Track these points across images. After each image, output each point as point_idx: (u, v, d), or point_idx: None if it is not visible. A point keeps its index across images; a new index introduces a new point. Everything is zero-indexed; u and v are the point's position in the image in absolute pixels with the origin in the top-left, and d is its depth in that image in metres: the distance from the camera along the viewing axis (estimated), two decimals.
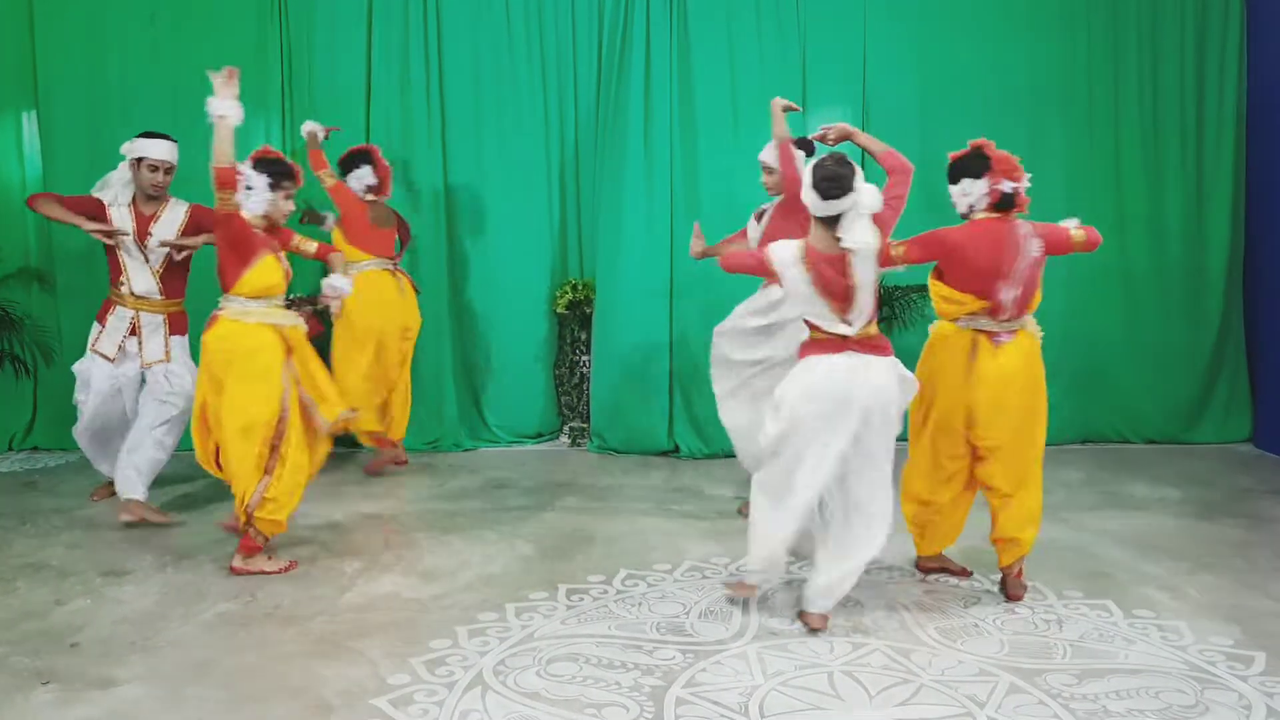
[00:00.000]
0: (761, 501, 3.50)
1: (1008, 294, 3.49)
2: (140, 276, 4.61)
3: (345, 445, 6.24)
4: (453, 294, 6.18)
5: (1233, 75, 6.27)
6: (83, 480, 5.27)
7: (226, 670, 3.15)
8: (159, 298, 4.66)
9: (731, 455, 5.05)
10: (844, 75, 6.20)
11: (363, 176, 5.39)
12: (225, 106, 3.67)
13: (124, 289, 4.61)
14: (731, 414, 4.59)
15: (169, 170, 4.58)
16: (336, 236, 5.42)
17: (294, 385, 3.95)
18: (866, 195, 3.29)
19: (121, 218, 4.55)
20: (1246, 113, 6.29)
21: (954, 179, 3.57)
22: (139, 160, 4.53)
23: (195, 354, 4.51)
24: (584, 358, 6.26)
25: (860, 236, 3.30)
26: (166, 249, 4.61)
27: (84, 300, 5.38)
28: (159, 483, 4.78)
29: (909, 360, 3.59)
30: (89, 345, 4.69)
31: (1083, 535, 4.43)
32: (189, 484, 5.15)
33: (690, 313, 5.95)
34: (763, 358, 4.43)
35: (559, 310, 6.22)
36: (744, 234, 4.67)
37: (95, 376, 4.65)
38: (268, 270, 3.90)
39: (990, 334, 3.55)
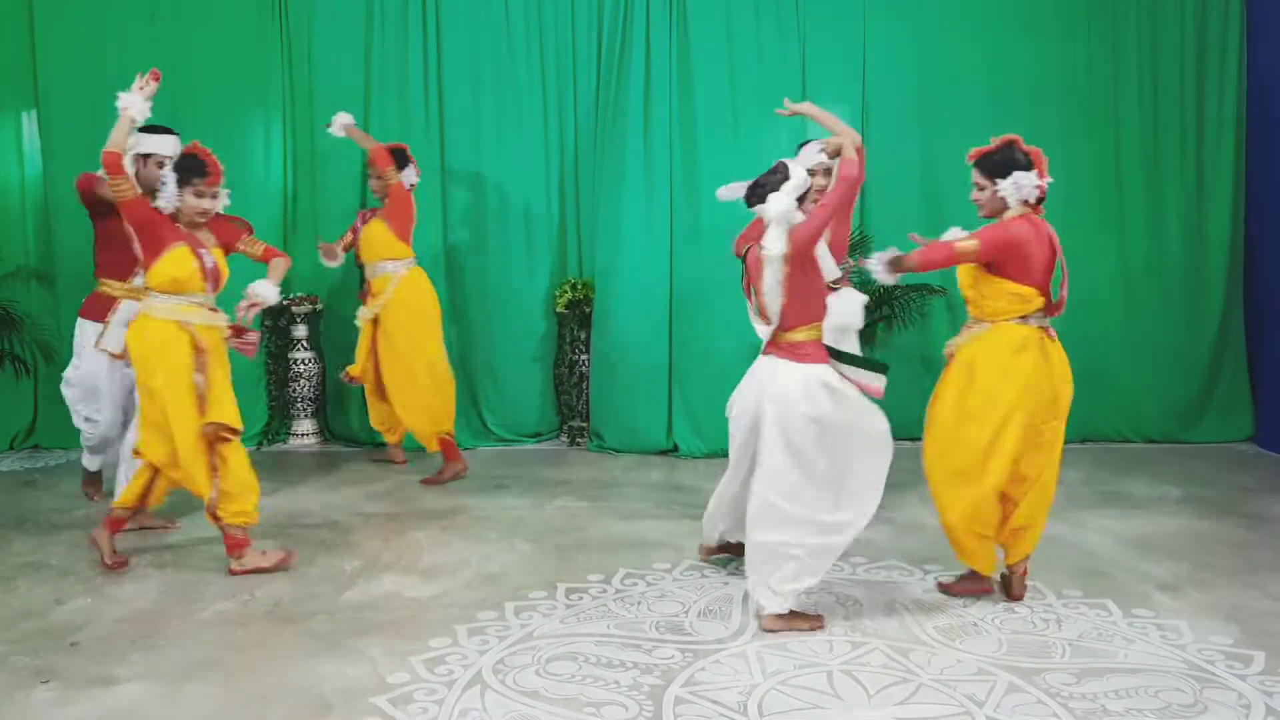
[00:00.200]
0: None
1: (1052, 289, 3.54)
2: None
3: (346, 445, 6.26)
4: (452, 293, 6.18)
5: (1233, 74, 6.27)
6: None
7: (226, 669, 3.15)
8: None
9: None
10: (843, 75, 6.20)
11: (409, 176, 5.37)
12: (130, 100, 3.79)
13: (138, 281, 4.59)
14: None
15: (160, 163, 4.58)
16: (391, 237, 5.27)
17: (205, 385, 3.85)
18: (771, 205, 3.34)
19: None
20: (1246, 111, 6.29)
21: (1003, 172, 3.48)
22: (146, 156, 4.51)
23: None
24: (583, 357, 6.26)
25: (768, 242, 3.37)
26: None
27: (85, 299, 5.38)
28: None
29: (928, 364, 3.57)
30: (91, 345, 4.48)
31: (1082, 534, 4.43)
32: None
33: (690, 312, 5.95)
34: None
35: (558, 310, 6.22)
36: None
37: (105, 379, 4.50)
38: (176, 263, 3.81)
39: (1047, 329, 3.56)
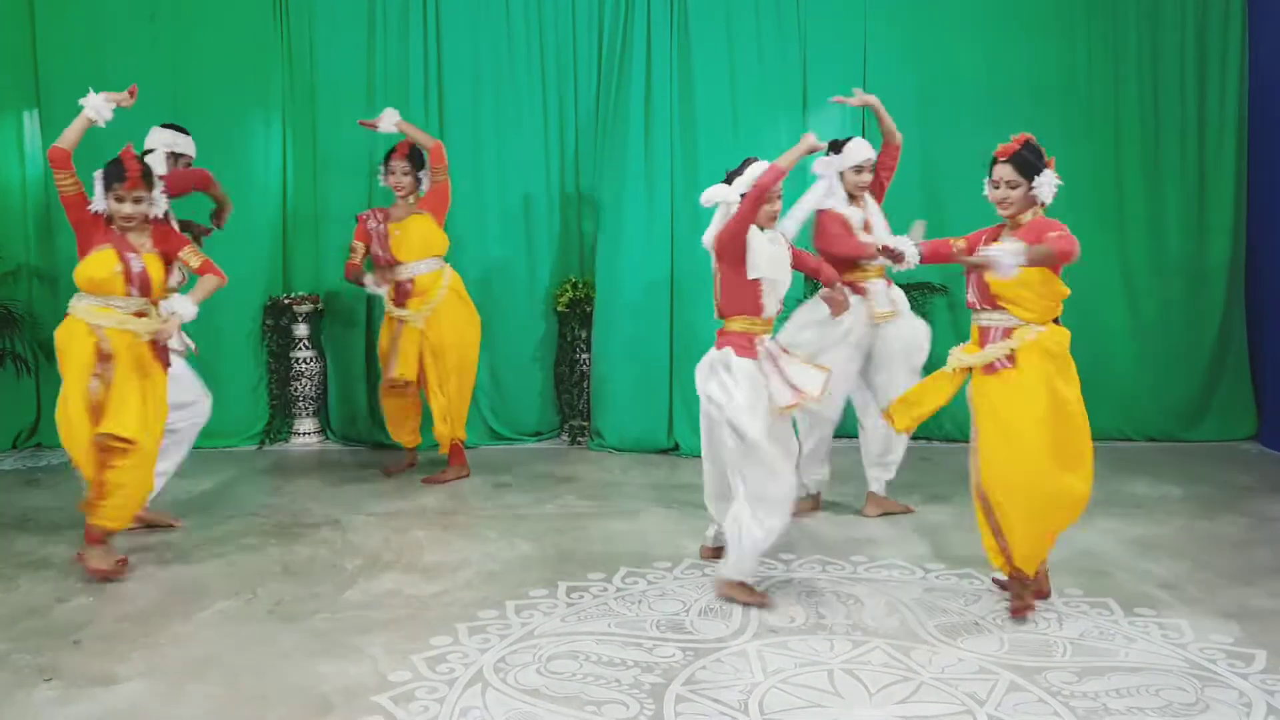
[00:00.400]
0: None
1: None
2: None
3: (348, 444, 6.26)
4: None
5: (1234, 73, 6.26)
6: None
7: (228, 667, 3.15)
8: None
9: None
10: (844, 75, 6.17)
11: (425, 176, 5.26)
12: (94, 102, 3.77)
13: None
14: None
15: (188, 163, 4.70)
16: (436, 233, 5.16)
17: (103, 389, 3.76)
18: (706, 192, 3.70)
19: None
20: (1248, 110, 6.28)
21: (1037, 170, 3.42)
22: (178, 156, 4.61)
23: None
24: (584, 356, 6.26)
25: (706, 233, 3.73)
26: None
27: None
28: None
29: (929, 363, 3.56)
30: None
31: (1084, 533, 4.42)
32: (190, 482, 5.15)
33: (690, 311, 5.95)
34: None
35: (559, 309, 6.22)
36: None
37: None
38: (97, 264, 3.76)
39: None
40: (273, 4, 6.10)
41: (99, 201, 3.79)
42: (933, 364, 4.17)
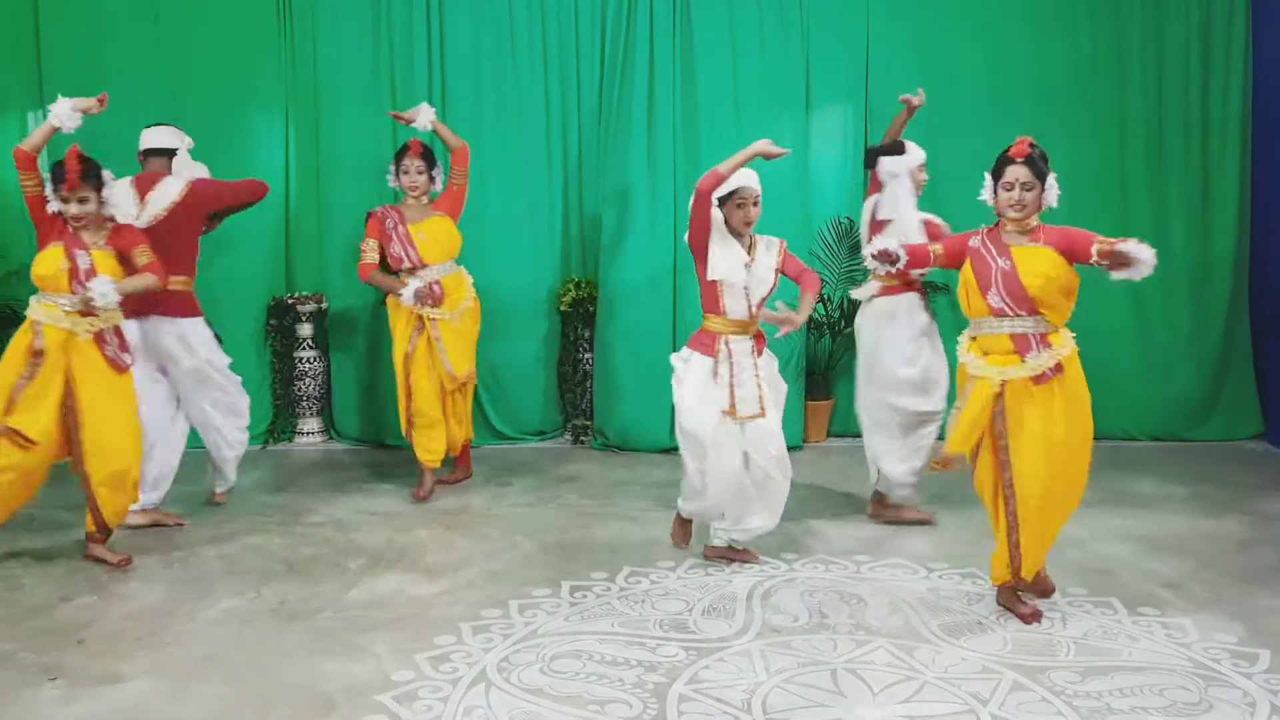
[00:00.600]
0: None
1: None
2: None
3: (351, 443, 6.26)
4: None
5: (1238, 71, 6.25)
6: None
7: (232, 666, 3.16)
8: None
9: None
10: (847, 73, 6.19)
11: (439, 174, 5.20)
12: (60, 109, 3.87)
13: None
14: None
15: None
16: (457, 234, 5.10)
17: (26, 385, 3.82)
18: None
19: None
20: (1252, 108, 6.27)
21: (1048, 169, 3.39)
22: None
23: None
24: (587, 355, 6.27)
25: None
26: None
27: None
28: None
29: None
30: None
31: (1087, 532, 4.42)
32: (194, 481, 5.15)
33: (694, 311, 5.93)
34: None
35: (562, 308, 6.23)
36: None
37: (144, 384, 4.25)
38: (44, 260, 3.87)
39: None
40: (275, 4, 6.10)
41: (51, 200, 3.88)
42: None
